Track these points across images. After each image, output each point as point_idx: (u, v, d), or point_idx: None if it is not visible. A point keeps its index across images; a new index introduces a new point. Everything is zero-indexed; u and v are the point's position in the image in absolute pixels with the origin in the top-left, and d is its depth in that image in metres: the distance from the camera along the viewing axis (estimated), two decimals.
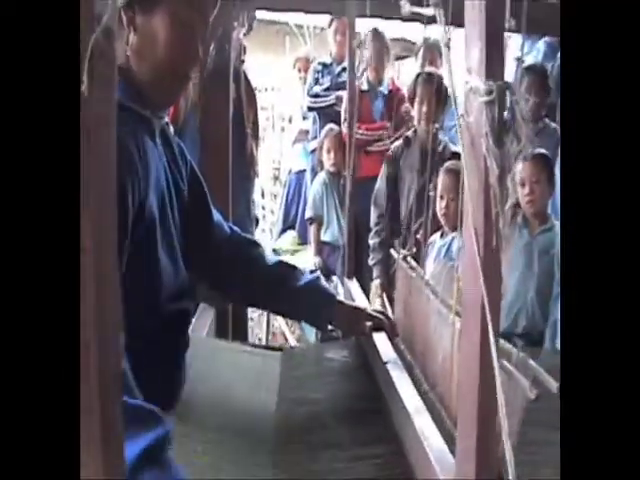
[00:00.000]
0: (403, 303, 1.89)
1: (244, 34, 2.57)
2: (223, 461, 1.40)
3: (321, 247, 4.34)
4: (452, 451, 1.17)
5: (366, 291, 2.86)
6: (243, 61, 2.81)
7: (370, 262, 3.59)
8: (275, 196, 6.27)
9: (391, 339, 1.85)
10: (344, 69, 3.88)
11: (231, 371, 1.86)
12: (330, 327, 1.97)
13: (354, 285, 2.54)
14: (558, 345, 2.53)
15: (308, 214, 4.42)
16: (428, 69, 3.53)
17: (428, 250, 2.96)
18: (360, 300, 2.33)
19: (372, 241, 3.60)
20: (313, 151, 4.67)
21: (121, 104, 0.75)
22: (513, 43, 3.18)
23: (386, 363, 1.68)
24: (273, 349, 2.24)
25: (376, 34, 4.00)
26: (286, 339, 4.51)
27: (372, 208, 3.63)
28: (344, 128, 3.63)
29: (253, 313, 4.37)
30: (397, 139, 3.73)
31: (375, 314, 1.93)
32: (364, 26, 3.84)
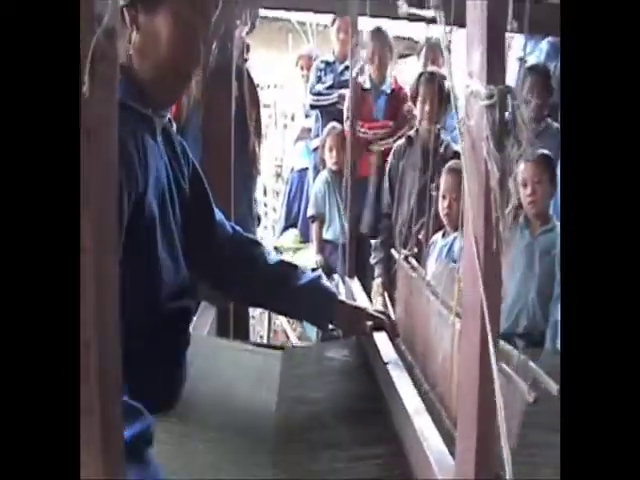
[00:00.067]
0: (404, 303, 1.89)
1: (247, 32, 2.57)
2: (223, 461, 1.40)
3: (323, 245, 4.35)
4: (452, 452, 1.17)
5: (367, 290, 2.86)
6: (246, 59, 2.80)
7: (372, 261, 3.59)
8: (277, 194, 6.27)
9: (392, 339, 1.85)
10: (347, 67, 3.88)
11: (232, 370, 1.86)
12: (331, 326, 1.97)
13: (355, 284, 2.54)
14: (559, 345, 2.53)
15: (310, 212, 4.42)
16: (431, 68, 3.53)
17: (430, 250, 2.97)
18: (361, 299, 2.33)
19: (374, 240, 3.60)
20: (315, 149, 4.67)
21: (122, 103, 0.75)
22: (516, 43, 3.18)
23: (387, 363, 1.68)
24: (274, 348, 2.24)
25: (379, 33, 4.00)
26: (287, 337, 4.51)
27: None
28: (346, 126, 3.63)
29: (255, 311, 4.37)
30: (399, 138, 3.73)
31: (376, 314, 1.93)
32: (367, 25, 3.83)
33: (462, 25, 0.95)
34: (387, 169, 3.61)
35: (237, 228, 1.86)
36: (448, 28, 0.94)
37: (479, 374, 0.95)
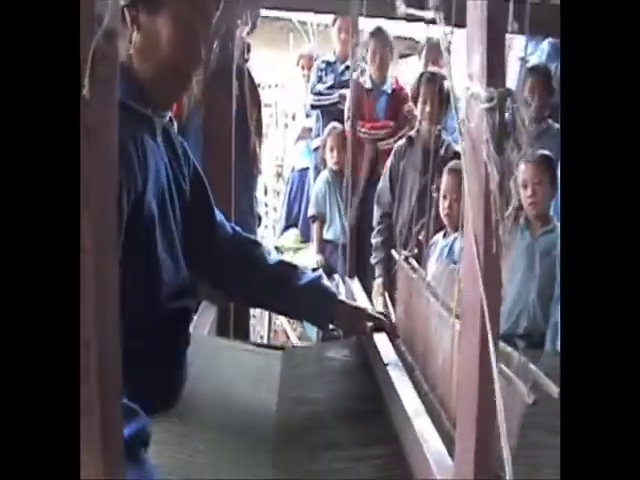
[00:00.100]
0: (404, 304, 1.89)
1: (248, 32, 2.56)
2: (223, 461, 1.40)
3: (323, 245, 4.35)
4: (451, 453, 1.17)
5: (368, 290, 2.86)
6: (247, 59, 2.80)
7: (372, 261, 3.59)
8: (278, 193, 6.26)
9: (392, 340, 1.85)
10: (347, 67, 3.88)
11: (232, 370, 1.86)
12: (331, 326, 1.97)
13: (355, 284, 2.54)
14: (559, 347, 2.52)
15: (311, 212, 4.42)
16: (432, 69, 3.52)
17: (431, 250, 2.96)
18: (361, 299, 2.33)
19: (374, 240, 3.60)
20: (316, 149, 4.67)
21: (122, 103, 0.75)
22: (517, 43, 3.18)
23: (387, 364, 1.68)
24: (275, 348, 2.24)
25: (380, 33, 3.99)
26: (288, 337, 4.52)
27: (375, 207, 3.63)
28: (347, 126, 3.63)
29: (255, 310, 4.37)
30: (400, 138, 3.73)
31: (376, 314, 1.93)
32: (368, 25, 3.83)
33: (462, 25, 0.95)
34: (387, 169, 3.60)
35: (237, 228, 1.86)
36: (448, 29, 0.94)
37: (479, 375, 0.95)
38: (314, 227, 4.42)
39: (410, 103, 3.75)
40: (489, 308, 0.88)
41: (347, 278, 2.64)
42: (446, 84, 3.07)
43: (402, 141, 3.62)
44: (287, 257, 4.36)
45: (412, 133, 3.56)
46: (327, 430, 1.56)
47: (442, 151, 3.20)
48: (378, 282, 3.51)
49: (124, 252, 1.12)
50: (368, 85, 4.02)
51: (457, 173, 2.81)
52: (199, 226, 1.69)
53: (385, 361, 1.70)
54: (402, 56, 5.34)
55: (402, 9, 1.06)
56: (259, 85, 3.47)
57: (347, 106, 3.67)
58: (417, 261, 1.89)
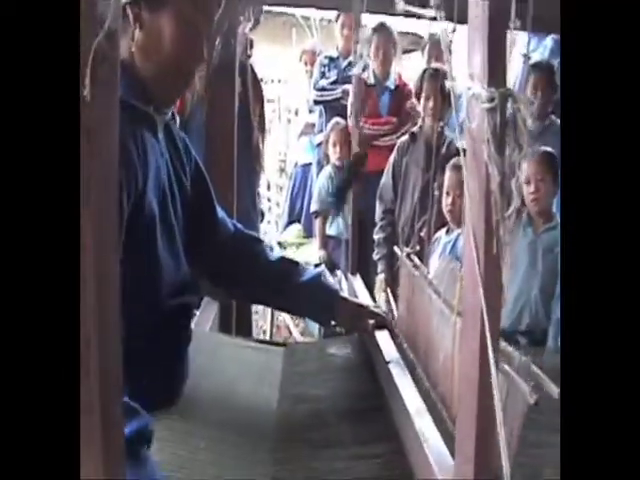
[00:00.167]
0: (406, 302, 1.89)
1: (250, 28, 2.56)
2: (224, 457, 1.40)
3: (326, 241, 4.34)
4: (452, 452, 1.17)
5: (370, 287, 2.86)
6: (250, 55, 2.80)
7: (375, 257, 3.59)
8: (281, 188, 6.25)
9: (394, 337, 1.85)
10: (350, 63, 3.87)
11: (234, 366, 1.86)
12: (333, 323, 1.97)
13: (358, 281, 2.54)
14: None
15: (313, 207, 4.42)
16: (435, 65, 3.52)
17: (434, 246, 2.96)
18: (363, 296, 2.33)
19: (377, 236, 3.60)
20: (319, 144, 4.66)
21: (123, 100, 0.75)
22: (521, 39, 3.16)
23: (389, 362, 1.68)
24: (276, 344, 2.24)
25: (383, 28, 3.98)
26: (290, 332, 4.52)
27: (377, 203, 3.63)
28: (350, 122, 3.62)
29: (257, 306, 4.37)
30: (403, 135, 3.72)
31: (377, 311, 1.93)
32: (372, 20, 3.82)
33: (465, 21, 0.94)
34: (390, 165, 3.60)
35: (239, 225, 1.86)
36: (450, 28, 0.93)
37: (479, 375, 0.95)
38: (317, 223, 4.41)
39: (413, 99, 3.74)
40: (489, 310, 0.88)
41: (349, 275, 2.64)
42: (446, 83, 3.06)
43: (405, 137, 3.61)
44: (290, 252, 4.38)
45: (415, 129, 3.55)
46: (328, 427, 1.56)
47: (444, 148, 3.19)
48: (380, 278, 3.51)
49: (124, 249, 1.12)
50: (371, 81, 4.01)
51: (460, 170, 2.78)
52: (200, 222, 1.69)
53: (387, 359, 1.70)
54: (406, 52, 5.33)
55: (401, 5, 1.06)
56: (262, 80, 3.47)
57: (350, 102, 3.66)
58: (419, 258, 1.89)
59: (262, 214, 3.69)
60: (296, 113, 6.37)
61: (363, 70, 2.69)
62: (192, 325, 1.69)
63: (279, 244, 4.70)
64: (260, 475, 1.38)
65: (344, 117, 4.14)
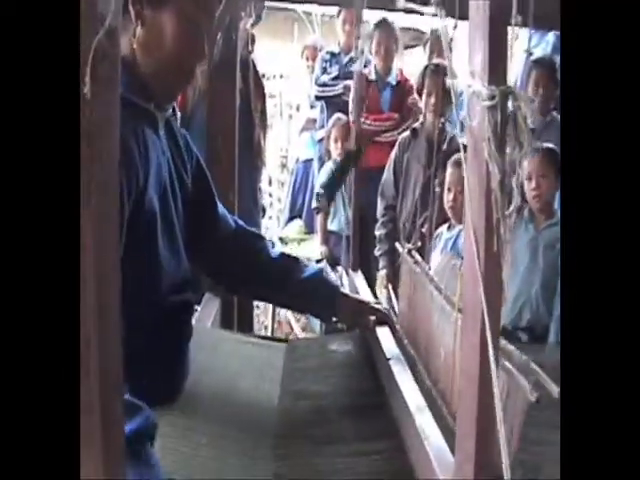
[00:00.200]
0: (407, 298, 1.89)
1: (252, 24, 2.56)
2: (226, 454, 1.40)
3: (327, 237, 4.34)
4: (452, 450, 1.17)
5: (371, 283, 2.86)
6: (251, 51, 2.80)
7: (376, 253, 3.59)
8: (282, 184, 6.25)
9: (394, 334, 1.85)
10: (352, 59, 3.86)
11: (235, 362, 1.86)
12: (334, 319, 1.97)
13: (359, 277, 2.54)
14: None
15: (315, 203, 4.42)
16: (436, 60, 3.51)
17: (435, 242, 2.96)
18: (364, 293, 2.33)
19: (378, 232, 3.60)
20: (320, 140, 4.66)
21: (124, 97, 0.75)
22: (522, 35, 3.15)
23: (389, 359, 1.68)
24: (278, 340, 2.24)
25: (385, 24, 3.98)
26: (292, 328, 4.52)
27: (379, 199, 3.63)
28: (352, 118, 3.62)
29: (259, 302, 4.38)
30: (404, 130, 3.72)
31: (379, 307, 1.93)
32: (374, 16, 3.81)
33: (466, 17, 0.94)
34: (392, 161, 3.60)
35: (240, 222, 1.86)
36: (451, 24, 0.93)
37: (479, 373, 0.95)
38: (318, 218, 4.42)
39: (415, 95, 3.74)
40: (489, 307, 0.88)
41: (350, 271, 2.64)
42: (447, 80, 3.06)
43: (406, 133, 3.61)
44: (291, 248, 4.38)
45: (416, 125, 3.55)
46: (329, 424, 1.56)
47: (446, 144, 3.19)
48: (382, 274, 3.51)
49: (125, 246, 1.12)
50: (372, 77, 4.01)
51: (461, 166, 2.80)
52: (201, 219, 1.69)
53: (388, 355, 1.70)
54: (407, 47, 5.32)
55: (401, 2, 1.06)
56: (264, 76, 3.46)
57: (351, 97, 3.66)
58: (420, 254, 1.89)
59: (263, 210, 3.69)
60: (297, 109, 6.37)
61: (365, 66, 2.69)
62: (193, 321, 1.69)
63: (280, 240, 4.70)
64: (261, 471, 1.38)
65: (345, 113, 4.13)
